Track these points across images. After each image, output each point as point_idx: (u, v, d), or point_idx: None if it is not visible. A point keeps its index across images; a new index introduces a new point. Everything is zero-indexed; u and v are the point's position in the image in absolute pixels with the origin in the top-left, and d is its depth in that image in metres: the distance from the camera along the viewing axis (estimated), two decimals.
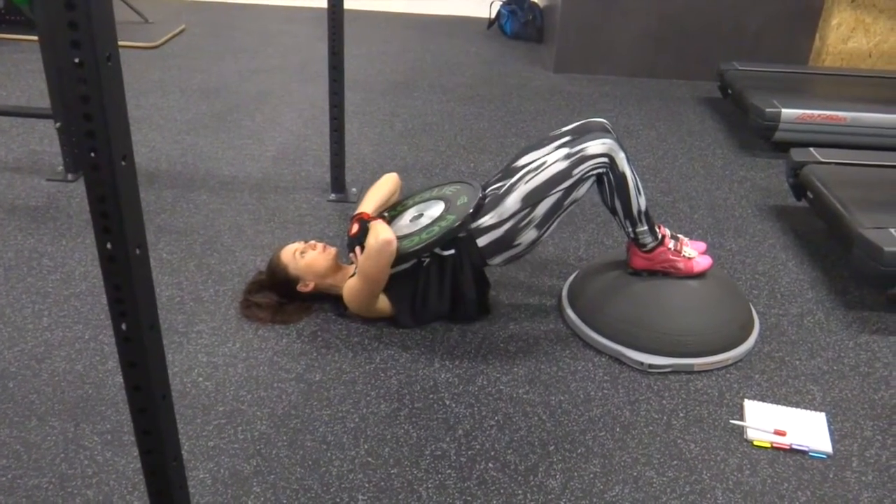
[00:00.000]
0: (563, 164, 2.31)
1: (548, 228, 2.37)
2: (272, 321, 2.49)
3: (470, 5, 6.51)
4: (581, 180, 2.31)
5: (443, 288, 2.44)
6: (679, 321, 2.38)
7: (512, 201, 2.35)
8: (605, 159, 2.29)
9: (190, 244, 2.93)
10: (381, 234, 2.31)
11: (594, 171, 2.30)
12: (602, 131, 2.41)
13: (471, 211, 2.38)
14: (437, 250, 2.40)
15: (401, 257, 2.36)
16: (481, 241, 2.38)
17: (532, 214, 2.33)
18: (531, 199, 2.33)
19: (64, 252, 2.84)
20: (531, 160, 2.44)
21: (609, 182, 2.32)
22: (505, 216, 2.35)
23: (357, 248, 2.42)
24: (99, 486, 1.87)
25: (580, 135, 2.41)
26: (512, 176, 2.43)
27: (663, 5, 4.93)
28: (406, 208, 2.62)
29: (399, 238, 2.40)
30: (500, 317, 2.58)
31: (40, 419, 2.07)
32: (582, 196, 2.35)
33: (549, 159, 2.34)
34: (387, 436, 2.07)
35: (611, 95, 4.76)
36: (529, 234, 2.36)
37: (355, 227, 2.45)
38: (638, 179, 2.35)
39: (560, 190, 2.31)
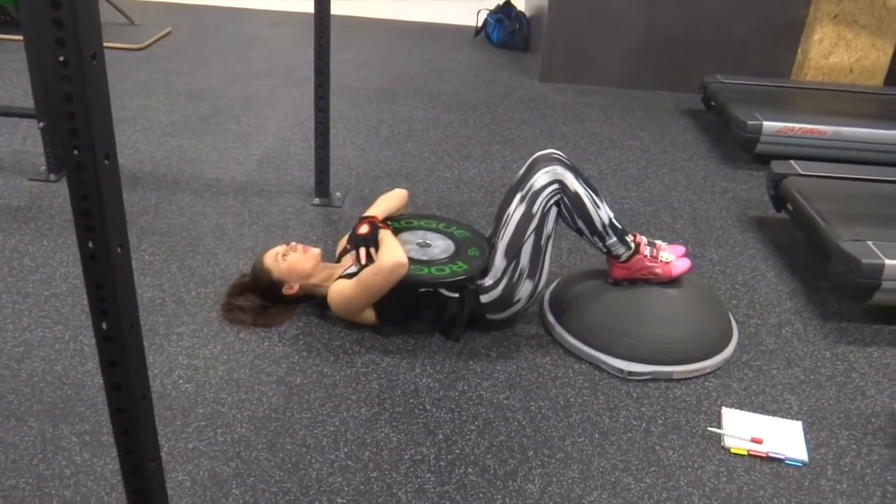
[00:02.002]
0: (522, 208, 2.37)
1: (540, 276, 2.42)
2: (254, 324, 2.49)
3: (457, 13, 6.54)
4: (544, 215, 2.36)
5: (436, 323, 2.48)
6: (659, 329, 2.40)
7: (498, 260, 2.40)
8: (555, 186, 2.34)
9: (172, 246, 2.92)
10: (396, 255, 2.33)
11: (551, 201, 2.35)
12: (546, 161, 2.41)
13: (481, 269, 2.43)
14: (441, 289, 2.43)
15: (403, 279, 2.37)
16: (484, 299, 2.43)
17: (519, 266, 2.38)
18: (511, 252, 2.38)
19: (45, 252, 2.83)
20: (504, 218, 2.46)
21: (566, 205, 2.36)
22: (498, 275, 2.41)
23: (362, 249, 2.42)
24: (77, 487, 1.87)
25: (528, 174, 2.43)
26: (496, 237, 2.47)
27: (648, 18, 4.97)
28: (411, 227, 2.65)
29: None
30: (482, 323, 2.58)
31: (18, 419, 2.06)
32: (552, 230, 2.39)
33: (511, 209, 2.39)
34: (367, 439, 2.07)
35: (595, 105, 4.80)
36: (525, 287, 2.41)
37: (365, 228, 2.45)
38: (594, 194, 2.38)
39: (531, 232, 2.36)
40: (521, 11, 6.00)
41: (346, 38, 5.89)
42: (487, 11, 6.13)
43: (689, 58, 5.07)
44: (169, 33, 5.71)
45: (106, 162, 1.15)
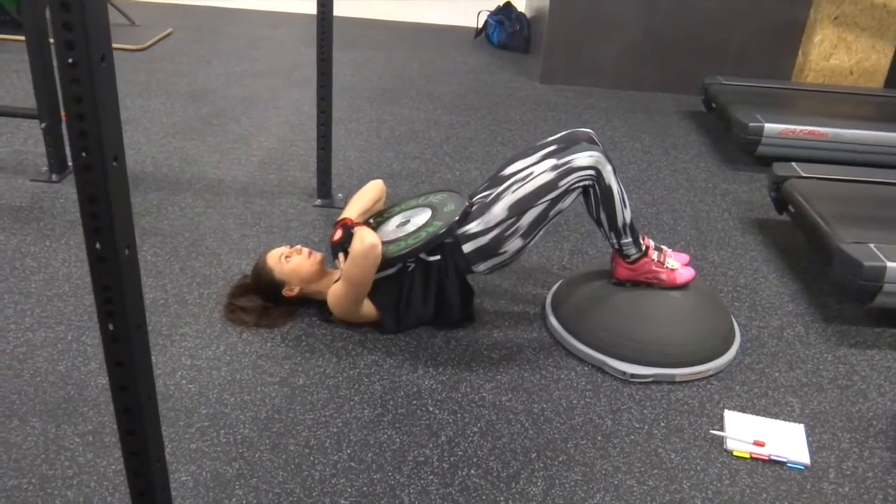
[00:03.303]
0: (550, 175, 2.33)
1: (533, 238, 2.39)
2: (257, 325, 2.49)
3: (457, 14, 6.54)
4: (567, 192, 2.33)
5: (427, 293, 2.45)
6: (661, 332, 2.40)
7: (498, 210, 2.36)
8: (591, 171, 2.31)
9: (175, 247, 2.92)
10: (366, 238, 2.31)
11: (581, 183, 2.32)
12: (589, 143, 2.43)
13: (457, 218, 2.39)
14: (422, 255, 2.41)
15: (386, 262, 2.37)
16: (467, 248, 2.39)
17: (518, 224, 2.35)
18: (518, 209, 2.34)
19: (47, 253, 2.83)
20: (518, 169, 2.46)
21: (595, 194, 2.34)
22: (491, 224, 2.37)
23: (341, 254, 2.43)
24: (79, 488, 1.87)
25: (567, 145, 2.43)
26: (499, 185, 2.45)
27: (649, 19, 4.98)
28: (392, 215, 2.63)
29: (385, 243, 2.41)
30: (484, 324, 2.59)
31: (21, 420, 2.06)
32: (567, 207, 2.37)
33: (537, 170, 2.36)
34: (370, 441, 2.07)
35: (596, 107, 4.80)
36: (515, 243, 2.38)
37: (339, 233, 2.45)
38: (624, 192, 2.37)
39: (546, 200, 2.33)
40: (521, 13, 6.00)
41: (347, 39, 5.89)
42: (488, 13, 6.13)
43: (690, 59, 5.07)
44: (169, 34, 5.70)
45: (114, 164, 1.15)
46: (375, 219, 2.63)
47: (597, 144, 2.42)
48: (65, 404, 2.13)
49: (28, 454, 1.96)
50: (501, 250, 2.38)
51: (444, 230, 2.37)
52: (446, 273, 2.42)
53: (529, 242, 2.39)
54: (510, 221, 2.35)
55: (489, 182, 2.54)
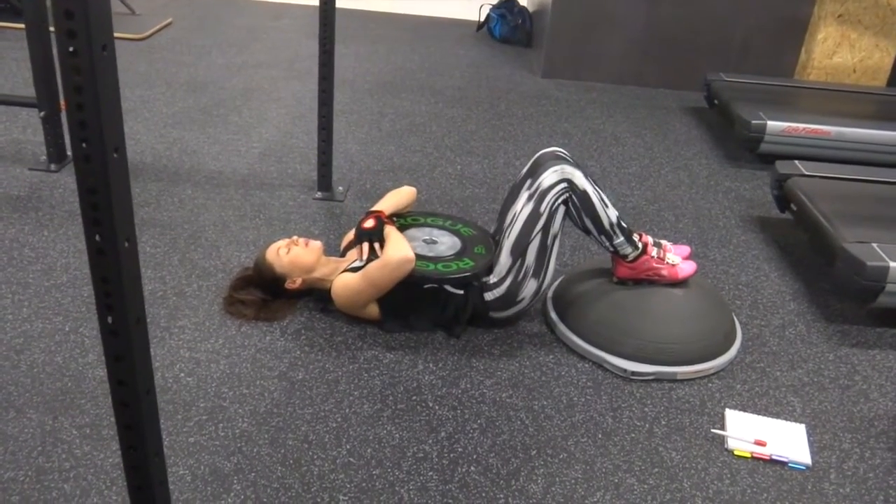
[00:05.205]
0: (529, 207, 2.35)
1: (544, 275, 2.41)
2: (256, 318, 2.47)
3: (459, 8, 6.51)
4: (552, 214, 2.35)
5: (439, 317, 2.47)
6: (663, 329, 2.39)
7: (503, 258, 2.40)
8: (563, 184, 2.33)
9: (174, 238, 2.90)
10: (403, 250, 2.32)
11: (559, 199, 2.34)
12: (553, 160, 2.40)
13: (487, 266, 2.43)
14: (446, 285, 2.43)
15: (409, 275, 2.36)
16: (488, 296, 2.42)
17: (525, 264, 2.37)
18: (517, 251, 2.37)
19: (45, 243, 2.81)
20: (511, 216, 2.46)
21: (574, 203, 2.35)
22: (503, 273, 2.40)
23: (366, 243, 2.44)
24: (76, 480, 1.85)
25: (535, 172, 2.42)
26: (502, 236, 2.46)
27: (651, 15, 4.95)
28: (417, 224, 2.66)
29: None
30: (485, 320, 2.57)
31: (18, 411, 2.05)
32: (560, 228, 2.38)
33: (518, 207, 2.39)
34: (369, 436, 2.06)
35: (598, 102, 4.78)
36: (530, 286, 2.40)
37: (371, 222, 2.48)
38: (602, 193, 2.37)
39: (538, 231, 2.35)
40: (523, 6, 5.97)
41: (349, 31, 5.86)
42: (490, 6, 6.10)
43: (693, 55, 5.05)
44: (170, 24, 5.67)
45: (115, 155, 1.13)
46: (398, 220, 2.64)
47: (561, 158, 2.40)
48: (62, 396, 2.11)
49: (25, 446, 1.94)
50: (519, 297, 2.41)
51: (473, 274, 2.40)
52: (463, 309, 2.44)
53: (543, 282, 2.42)
54: (517, 265, 2.37)
55: (498, 236, 2.55)
